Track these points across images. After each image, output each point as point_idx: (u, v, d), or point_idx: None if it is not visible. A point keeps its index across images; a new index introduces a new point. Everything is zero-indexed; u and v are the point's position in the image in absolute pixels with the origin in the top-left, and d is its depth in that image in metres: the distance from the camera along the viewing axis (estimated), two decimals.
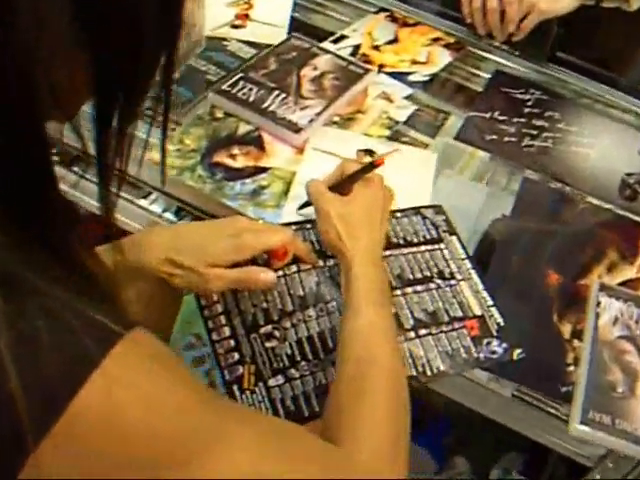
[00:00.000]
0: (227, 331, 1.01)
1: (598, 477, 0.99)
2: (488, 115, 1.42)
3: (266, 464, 0.63)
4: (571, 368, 1.05)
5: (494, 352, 1.04)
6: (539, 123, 1.42)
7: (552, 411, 1.01)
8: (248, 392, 0.97)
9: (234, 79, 1.38)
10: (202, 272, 0.92)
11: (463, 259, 1.13)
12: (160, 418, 0.57)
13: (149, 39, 0.56)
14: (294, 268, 1.04)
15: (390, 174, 1.08)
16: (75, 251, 0.59)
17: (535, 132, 1.40)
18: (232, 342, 1.00)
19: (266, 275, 0.95)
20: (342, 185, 1.04)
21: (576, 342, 1.07)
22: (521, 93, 1.49)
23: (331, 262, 1.05)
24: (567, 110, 1.47)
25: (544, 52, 1.57)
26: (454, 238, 1.16)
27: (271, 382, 0.98)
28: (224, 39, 1.53)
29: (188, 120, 1.33)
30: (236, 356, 0.99)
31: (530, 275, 1.15)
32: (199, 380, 0.65)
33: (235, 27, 1.56)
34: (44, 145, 0.54)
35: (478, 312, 1.07)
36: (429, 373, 1.01)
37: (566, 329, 1.09)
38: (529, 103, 1.46)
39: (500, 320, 1.07)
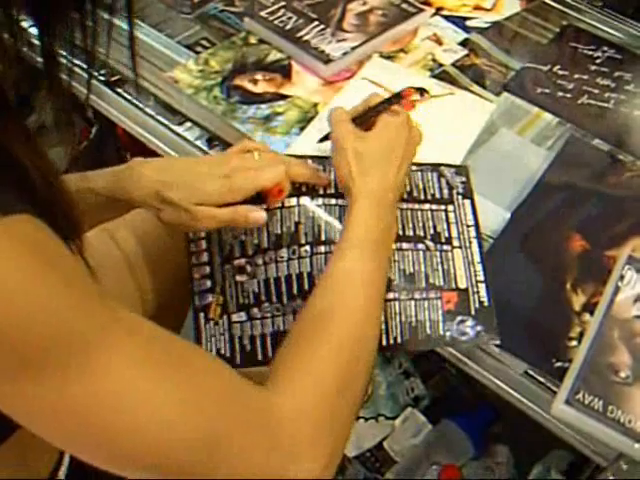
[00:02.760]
0: (205, 257, 0.98)
1: (611, 478, 0.87)
2: (547, 68, 1.29)
3: (139, 383, 0.58)
4: (573, 343, 0.92)
5: (464, 333, 0.91)
6: (604, 82, 1.28)
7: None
8: (212, 322, 0.95)
9: (275, 7, 1.31)
10: (191, 210, 0.87)
11: (470, 225, 1.00)
12: (26, 312, 0.51)
13: None
14: (276, 205, 0.95)
15: (434, 117, 0.97)
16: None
17: (596, 91, 1.26)
18: (207, 269, 0.97)
19: (256, 214, 0.90)
20: (365, 117, 0.95)
21: (587, 317, 0.95)
22: (591, 50, 1.35)
23: (319, 201, 0.96)
24: None
25: (628, 6, 1.41)
26: (467, 202, 1.02)
27: (234, 317, 0.95)
28: None
29: (221, 45, 1.26)
30: (208, 284, 0.97)
31: (550, 236, 1.03)
32: (90, 284, 0.59)
33: None
34: None
35: (463, 285, 0.95)
36: (384, 343, 0.91)
37: (578, 300, 0.96)
38: (598, 61, 1.32)
39: (485, 299, 0.94)
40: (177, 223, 0.89)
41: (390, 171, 0.89)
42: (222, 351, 0.94)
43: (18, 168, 0.55)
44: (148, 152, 1.18)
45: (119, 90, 1.20)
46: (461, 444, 1.75)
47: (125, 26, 0.59)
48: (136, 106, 1.19)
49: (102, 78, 1.20)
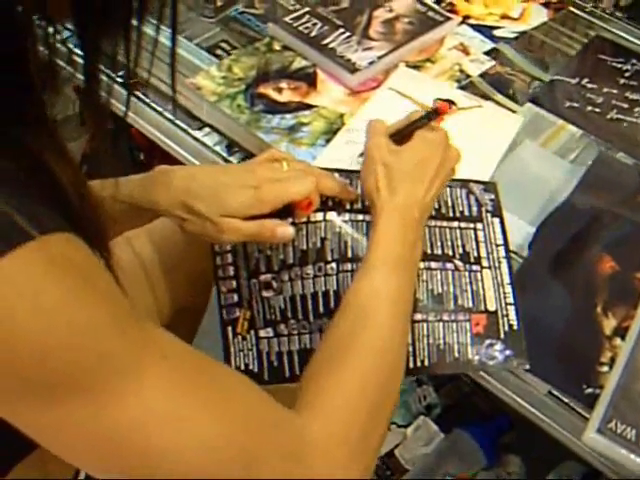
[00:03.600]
0: (231, 271, 0.97)
1: None
2: (575, 81, 1.27)
3: (175, 406, 0.57)
4: (604, 369, 0.91)
5: (493, 357, 0.90)
6: (634, 97, 1.26)
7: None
8: (240, 337, 0.95)
9: (300, 12, 1.29)
10: (217, 222, 0.85)
11: (499, 245, 0.98)
12: (60, 334, 0.50)
13: None
14: (304, 218, 0.93)
15: (461, 131, 0.95)
16: (37, 145, 0.54)
17: (626, 106, 1.24)
18: (234, 283, 0.96)
19: (283, 230, 0.88)
20: (401, 133, 0.92)
21: (618, 341, 0.93)
22: (620, 62, 1.32)
23: (346, 217, 0.94)
24: None
25: None
26: (497, 220, 1.01)
27: (262, 333, 0.94)
28: None
29: (243, 49, 1.24)
30: (235, 297, 0.96)
31: (580, 257, 1.01)
32: (126, 306, 0.57)
33: None
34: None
35: (492, 307, 0.93)
36: (411, 365, 0.89)
37: (609, 324, 0.95)
38: (627, 74, 1.30)
39: (515, 322, 0.92)
40: (201, 234, 0.87)
41: (419, 188, 0.87)
42: (250, 366, 0.94)
43: (52, 182, 0.54)
44: (163, 153, 1.17)
45: (137, 92, 1.18)
46: (473, 454, 1.74)
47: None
48: (154, 109, 1.17)
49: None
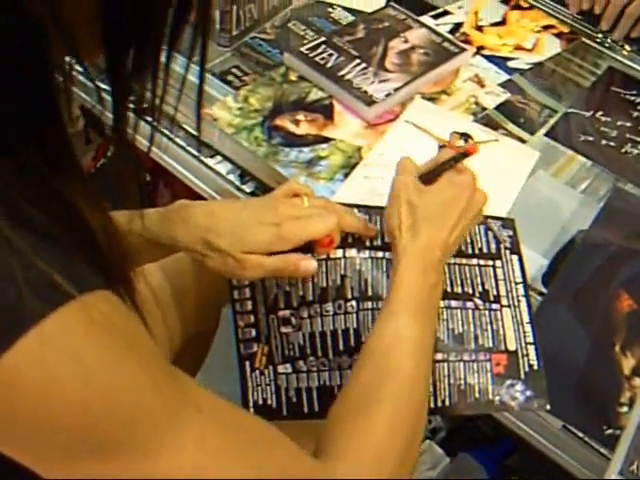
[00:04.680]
0: (249, 305, 0.96)
1: None
2: (589, 114, 1.28)
3: (213, 459, 0.58)
4: (624, 409, 0.91)
5: (514, 398, 0.90)
6: None
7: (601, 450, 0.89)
8: (258, 372, 0.94)
9: (315, 42, 1.29)
10: (239, 258, 0.85)
11: (518, 283, 0.98)
12: (101, 395, 0.51)
13: None
14: (323, 255, 0.94)
15: (478, 165, 0.95)
16: (70, 194, 0.54)
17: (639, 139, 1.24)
18: (252, 318, 0.96)
19: (307, 263, 0.88)
20: (430, 174, 0.92)
21: (637, 381, 0.94)
22: (633, 95, 1.33)
23: (366, 254, 0.94)
24: None
25: None
26: (515, 258, 1.00)
27: (280, 368, 0.94)
28: (330, 5, 1.45)
29: (260, 80, 1.25)
30: (253, 333, 0.96)
31: (598, 295, 1.01)
32: (163, 361, 0.58)
33: None
34: (51, 86, 0.50)
35: (512, 347, 0.93)
36: (432, 406, 0.89)
37: (627, 363, 0.95)
38: None
39: (535, 362, 0.92)
40: (223, 270, 0.87)
41: (443, 229, 0.86)
42: (269, 401, 0.94)
43: (85, 232, 0.54)
44: (168, 174, 1.17)
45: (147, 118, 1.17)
46: (478, 477, 1.74)
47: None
48: (166, 135, 1.16)
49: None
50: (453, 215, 0.88)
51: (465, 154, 0.93)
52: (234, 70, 1.29)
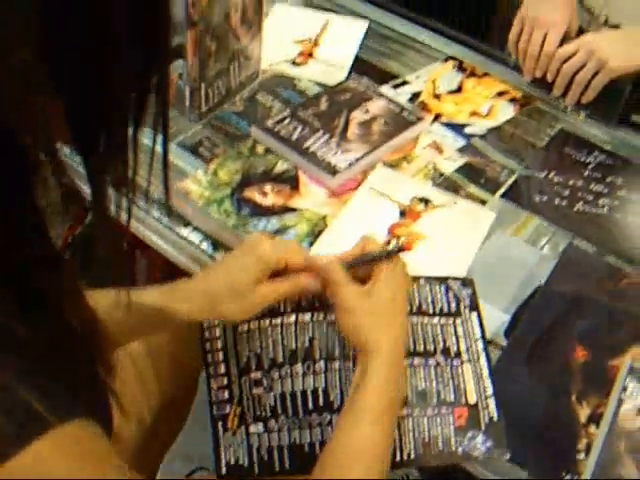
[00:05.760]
0: (222, 368, 1.01)
1: None
2: (543, 175, 1.35)
3: None
4: (582, 456, 0.96)
5: (476, 448, 0.95)
6: (597, 188, 1.33)
7: None
8: (230, 432, 0.98)
9: (281, 116, 1.36)
10: (248, 299, 0.92)
11: (477, 339, 1.04)
12: None
13: (120, 83, 0.54)
14: (292, 318, 0.99)
15: (437, 228, 1.01)
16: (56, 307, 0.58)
17: (591, 197, 1.31)
18: (225, 380, 1.00)
19: (309, 281, 0.94)
20: (361, 264, 0.96)
21: (593, 428, 0.98)
22: (584, 155, 1.40)
23: (332, 317, 0.99)
24: (632, 176, 1.37)
25: (615, 113, 1.48)
26: (474, 315, 1.06)
27: (252, 428, 0.98)
28: (294, 77, 1.52)
29: (228, 153, 1.31)
30: (226, 395, 1.00)
31: (555, 347, 1.07)
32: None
33: (295, 64, 1.53)
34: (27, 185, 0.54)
35: (472, 400, 0.99)
36: (397, 458, 0.94)
37: (583, 412, 1.00)
38: (590, 166, 1.38)
39: (495, 414, 0.98)
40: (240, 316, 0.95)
41: (398, 323, 0.92)
42: (240, 461, 0.97)
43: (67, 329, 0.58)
44: (146, 244, 1.21)
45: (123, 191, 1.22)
46: None
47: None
48: (139, 207, 1.21)
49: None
50: (401, 306, 0.94)
51: (400, 249, 0.97)
52: (205, 142, 1.35)
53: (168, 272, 1.27)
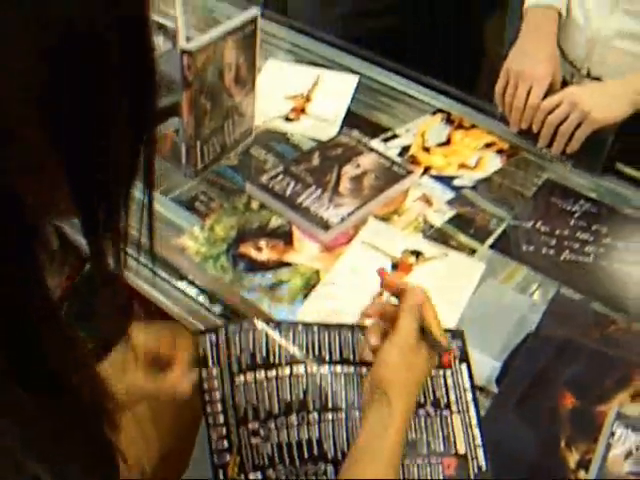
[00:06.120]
0: (221, 418, 1.03)
1: None
2: (530, 225, 1.38)
3: None
4: None
5: None
6: (583, 236, 1.37)
7: None
8: None
9: (275, 172, 1.40)
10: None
11: (466, 389, 1.06)
12: None
13: (117, 147, 0.56)
14: (287, 371, 1.03)
15: (428, 280, 1.04)
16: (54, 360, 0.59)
17: (577, 245, 1.35)
18: (224, 430, 1.02)
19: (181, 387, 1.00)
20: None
21: (582, 474, 1.01)
22: (570, 204, 1.44)
23: (325, 369, 1.03)
24: (616, 224, 1.41)
25: (599, 163, 1.52)
26: (464, 366, 1.09)
27: (251, 476, 1.00)
28: (287, 133, 1.57)
29: (224, 209, 1.35)
30: (225, 444, 1.02)
31: (544, 394, 1.09)
32: None
33: (288, 120, 1.58)
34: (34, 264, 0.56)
35: (462, 450, 1.01)
36: None
37: (572, 458, 1.03)
38: (576, 215, 1.42)
39: (483, 464, 1.00)
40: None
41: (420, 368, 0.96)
42: None
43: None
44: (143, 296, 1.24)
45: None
46: None
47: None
48: (137, 260, 1.23)
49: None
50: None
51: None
52: (200, 196, 1.39)
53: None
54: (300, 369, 1.03)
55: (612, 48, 1.51)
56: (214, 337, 1.02)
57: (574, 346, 1.17)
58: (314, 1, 2.05)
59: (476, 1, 2.00)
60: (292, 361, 1.03)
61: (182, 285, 1.23)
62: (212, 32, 1.33)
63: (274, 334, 1.03)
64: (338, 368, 1.03)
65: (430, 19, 1.99)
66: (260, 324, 1.03)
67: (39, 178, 0.54)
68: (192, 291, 1.22)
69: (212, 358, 1.02)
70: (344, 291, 1.17)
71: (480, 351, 1.14)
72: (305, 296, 1.20)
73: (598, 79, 1.57)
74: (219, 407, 1.03)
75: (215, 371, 1.03)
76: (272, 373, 1.02)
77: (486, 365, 1.14)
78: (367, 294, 1.03)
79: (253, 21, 1.40)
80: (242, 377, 1.03)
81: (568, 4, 1.59)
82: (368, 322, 1.01)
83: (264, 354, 1.01)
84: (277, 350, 1.02)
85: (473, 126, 1.61)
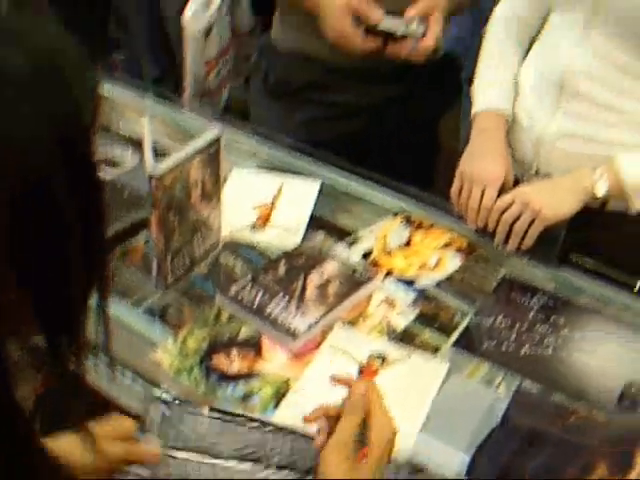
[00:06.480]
0: None
1: None
2: (491, 320, 1.44)
3: None
4: None
5: None
6: (542, 329, 1.43)
7: None
8: None
9: (243, 282, 1.45)
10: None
11: None
12: None
13: (76, 273, 0.61)
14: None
15: (393, 382, 1.08)
16: None
17: (537, 338, 1.41)
18: None
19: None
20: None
21: None
22: (528, 298, 1.50)
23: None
24: (573, 315, 1.47)
25: (553, 256, 1.59)
26: None
27: None
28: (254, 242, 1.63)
29: (195, 320, 1.40)
30: None
31: None
32: None
33: (254, 229, 1.64)
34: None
35: None
36: None
37: None
38: (534, 308, 1.48)
39: None
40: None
41: None
42: None
43: None
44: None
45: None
46: None
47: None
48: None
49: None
50: None
51: None
52: (171, 307, 1.45)
53: None
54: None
55: (557, 149, 1.59)
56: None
57: (539, 436, 1.21)
58: (277, 108, 2.13)
59: (431, 100, 2.08)
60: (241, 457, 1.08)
61: (158, 393, 1.26)
62: (178, 154, 1.40)
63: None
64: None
65: (390, 121, 2.06)
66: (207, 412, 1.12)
67: (9, 307, 0.58)
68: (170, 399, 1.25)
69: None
70: (314, 398, 1.21)
71: (449, 445, 1.19)
72: (276, 405, 1.24)
73: (548, 175, 1.64)
74: None
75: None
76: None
77: (455, 459, 1.18)
78: (337, 399, 1.06)
79: (217, 140, 1.47)
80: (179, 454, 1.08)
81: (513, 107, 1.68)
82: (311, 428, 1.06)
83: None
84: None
85: (432, 225, 1.68)
